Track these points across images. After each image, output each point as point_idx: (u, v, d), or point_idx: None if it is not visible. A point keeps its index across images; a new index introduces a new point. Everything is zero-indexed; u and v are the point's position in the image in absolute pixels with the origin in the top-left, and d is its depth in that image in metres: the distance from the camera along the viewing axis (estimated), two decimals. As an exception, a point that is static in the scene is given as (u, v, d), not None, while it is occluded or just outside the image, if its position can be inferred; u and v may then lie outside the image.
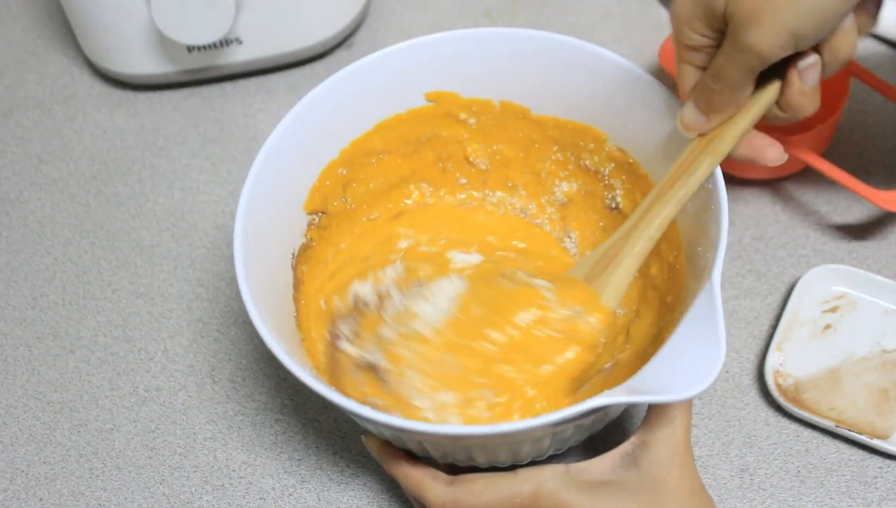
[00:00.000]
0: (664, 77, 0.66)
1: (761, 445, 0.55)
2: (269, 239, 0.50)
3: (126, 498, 0.56)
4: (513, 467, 0.46)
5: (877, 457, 0.55)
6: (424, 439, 0.45)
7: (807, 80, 0.46)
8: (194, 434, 0.58)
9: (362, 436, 0.50)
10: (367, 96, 0.54)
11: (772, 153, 0.48)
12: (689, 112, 0.48)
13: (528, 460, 0.48)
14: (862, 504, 0.53)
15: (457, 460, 0.47)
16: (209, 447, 0.57)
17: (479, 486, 0.44)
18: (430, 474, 0.46)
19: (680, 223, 0.51)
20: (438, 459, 0.48)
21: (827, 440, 0.55)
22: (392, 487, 0.55)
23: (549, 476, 0.44)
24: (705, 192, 0.48)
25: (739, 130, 0.47)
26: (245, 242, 0.48)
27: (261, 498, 0.55)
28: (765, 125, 0.49)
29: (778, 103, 0.47)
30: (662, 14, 0.76)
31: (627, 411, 0.56)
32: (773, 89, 0.47)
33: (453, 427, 0.41)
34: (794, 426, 0.56)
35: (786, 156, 0.48)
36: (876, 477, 0.54)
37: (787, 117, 0.47)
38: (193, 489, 0.56)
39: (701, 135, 0.48)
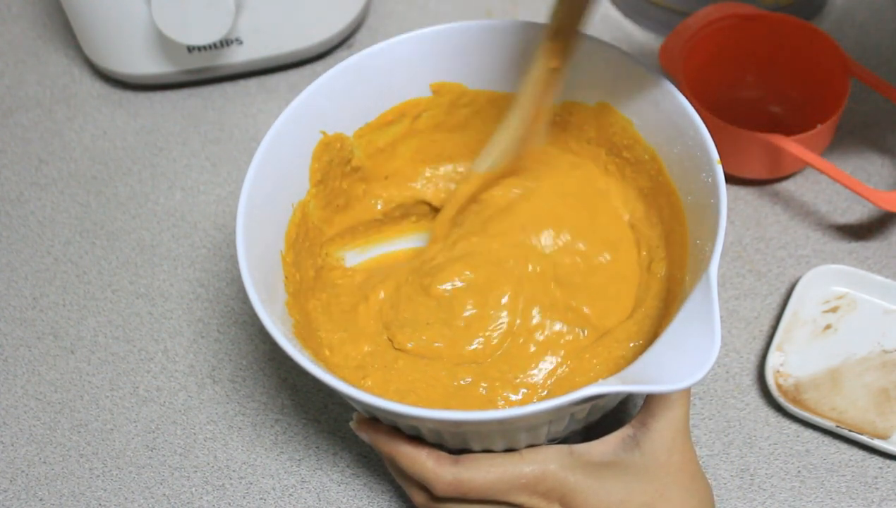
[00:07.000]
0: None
1: (761, 445, 0.55)
2: (270, 232, 0.50)
3: (126, 498, 0.56)
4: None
5: (877, 457, 0.55)
6: (420, 424, 0.45)
7: None
8: (194, 434, 0.58)
9: (351, 423, 0.49)
10: (369, 88, 0.54)
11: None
12: None
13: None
14: (862, 505, 0.53)
15: (451, 446, 0.47)
16: (209, 447, 0.57)
17: (485, 466, 0.44)
18: (434, 455, 0.45)
19: (686, 215, 0.51)
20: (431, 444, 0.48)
21: (827, 440, 0.55)
22: (393, 487, 0.55)
23: (553, 457, 0.44)
24: (705, 185, 0.48)
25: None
26: (247, 233, 0.47)
27: (261, 499, 0.55)
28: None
29: None
30: (662, 15, 0.76)
31: (628, 400, 0.56)
32: None
33: (447, 412, 0.41)
34: (795, 426, 0.56)
35: None
36: (876, 478, 0.54)
37: None
38: (193, 489, 0.56)
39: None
